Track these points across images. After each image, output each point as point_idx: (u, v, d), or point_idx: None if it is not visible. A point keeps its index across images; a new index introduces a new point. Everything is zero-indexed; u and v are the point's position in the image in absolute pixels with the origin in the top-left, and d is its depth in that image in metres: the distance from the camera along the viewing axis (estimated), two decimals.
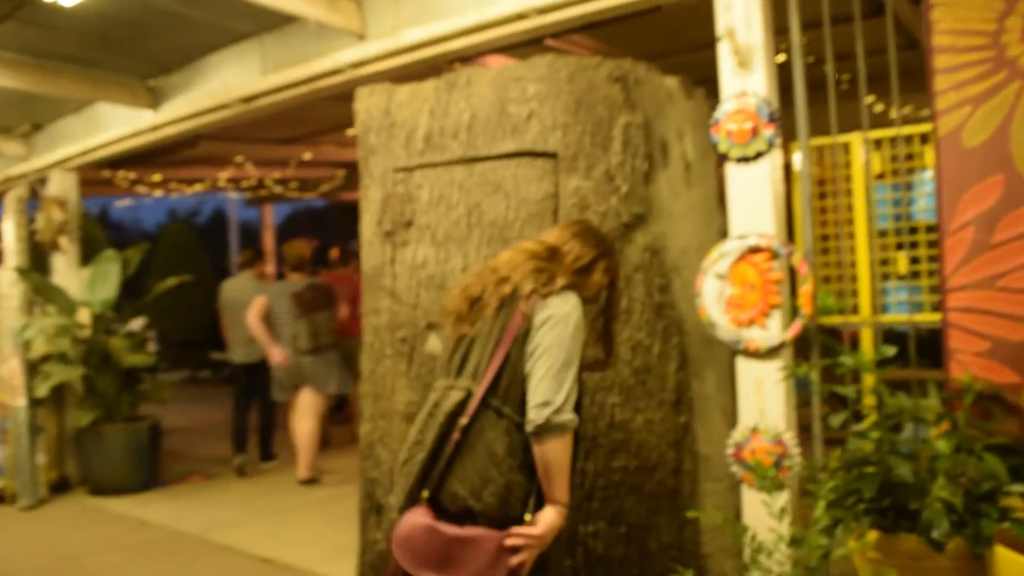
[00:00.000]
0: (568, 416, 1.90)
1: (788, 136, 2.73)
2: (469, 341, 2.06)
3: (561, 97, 2.78)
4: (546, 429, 1.89)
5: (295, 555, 4.02)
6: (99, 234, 6.59)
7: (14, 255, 6.35)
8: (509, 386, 1.97)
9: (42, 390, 5.56)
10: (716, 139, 2.75)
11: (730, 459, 2.72)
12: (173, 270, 8.54)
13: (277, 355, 5.48)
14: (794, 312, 2.62)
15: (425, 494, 1.99)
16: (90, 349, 5.88)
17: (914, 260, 3.09)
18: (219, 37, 4.49)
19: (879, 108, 4.95)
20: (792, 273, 2.66)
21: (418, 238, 2.98)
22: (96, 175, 7.19)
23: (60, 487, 5.86)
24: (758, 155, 2.67)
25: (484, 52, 3.83)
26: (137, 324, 6.42)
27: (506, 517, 1.92)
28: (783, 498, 2.49)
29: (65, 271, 6.29)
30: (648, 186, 2.81)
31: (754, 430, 2.67)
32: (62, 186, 6.22)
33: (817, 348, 2.67)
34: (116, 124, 5.47)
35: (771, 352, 2.65)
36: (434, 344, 2.91)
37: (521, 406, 1.95)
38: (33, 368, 5.68)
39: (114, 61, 4.85)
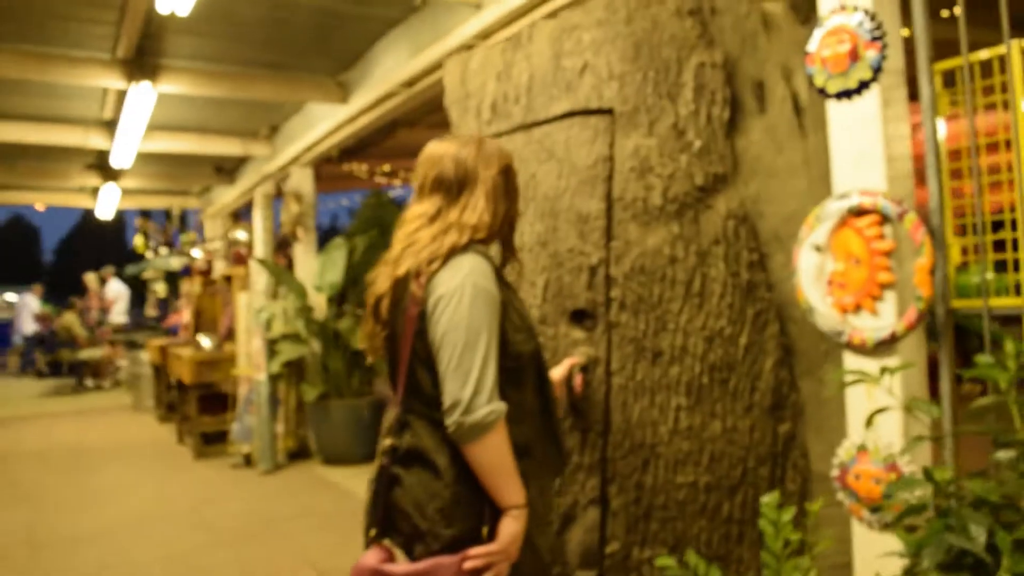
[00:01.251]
0: (484, 411, 1.58)
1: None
2: (391, 346, 1.77)
3: (618, 42, 2.33)
4: (463, 434, 1.60)
5: None
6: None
7: (261, 246, 7.03)
8: (432, 386, 1.67)
9: (274, 366, 6.10)
10: (811, 71, 2.13)
11: (835, 483, 2.12)
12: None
13: None
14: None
15: (372, 533, 1.75)
16: (321, 330, 6.34)
17: None
18: (377, 27, 4.52)
19: None
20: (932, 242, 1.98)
21: None
22: (337, 170, 7.72)
23: (298, 455, 6.44)
24: (861, 86, 2.02)
25: None
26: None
27: (460, 535, 1.65)
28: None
29: (302, 258, 6.84)
30: (733, 139, 2.28)
31: (861, 449, 2.04)
32: (298, 181, 6.75)
33: (947, 343, 1.97)
34: (322, 121, 5.79)
35: (880, 347, 2.00)
36: None
37: None
38: (273, 346, 6.25)
39: (307, 61, 5.11)
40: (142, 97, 4.82)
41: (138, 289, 13.41)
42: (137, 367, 10.02)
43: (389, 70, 4.57)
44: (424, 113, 5.58)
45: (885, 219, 1.98)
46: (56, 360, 12.35)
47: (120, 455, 7.32)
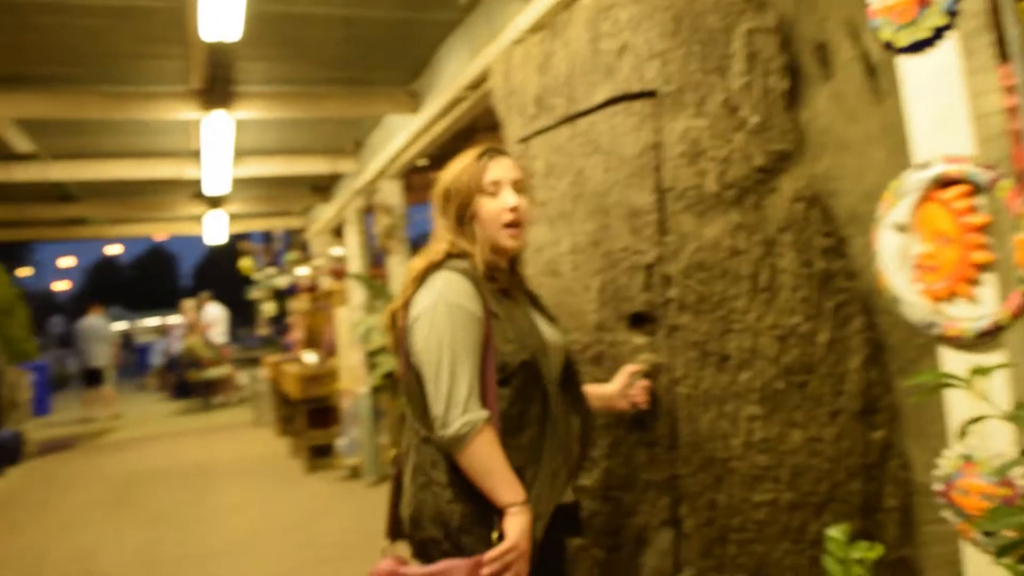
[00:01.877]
0: (457, 424, 1.65)
1: None
2: None
3: (656, 17, 2.11)
4: (447, 447, 1.69)
5: None
6: None
7: (355, 260, 7.08)
8: (422, 403, 1.76)
9: (374, 378, 6.11)
10: (875, 24, 1.85)
11: (939, 500, 1.83)
12: None
13: None
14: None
15: (384, 545, 1.89)
16: None
17: None
18: (439, 31, 4.42)
19: None
20: None
21: (538, 217, 2.53)
22: (427, 179, 7.68)
23: None
24: (936, 34, 1.73)
25: None
26: None
27: (471, 543, 1.70)
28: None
29: (396, 270, 6.83)
30: (795, 111, 2.02)
31: (966, 459, 1.75)
32: (387, 194, 6.75)
33: None
34: (399, 132, 5.75)
35: (982, 339, 1.70)
36: None
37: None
38: (372, 359, 6.27)
39: (376, 74, 5.07)
40: (219, 125, 4.89)
41: (251, 310, 13.91)
42: (256, 384, 10.37)
43: (453, 75, 4.45)
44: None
45: (976, 189, 1.69)
46: (184, 381, 12.97)
47: (237, 471, 7.55)
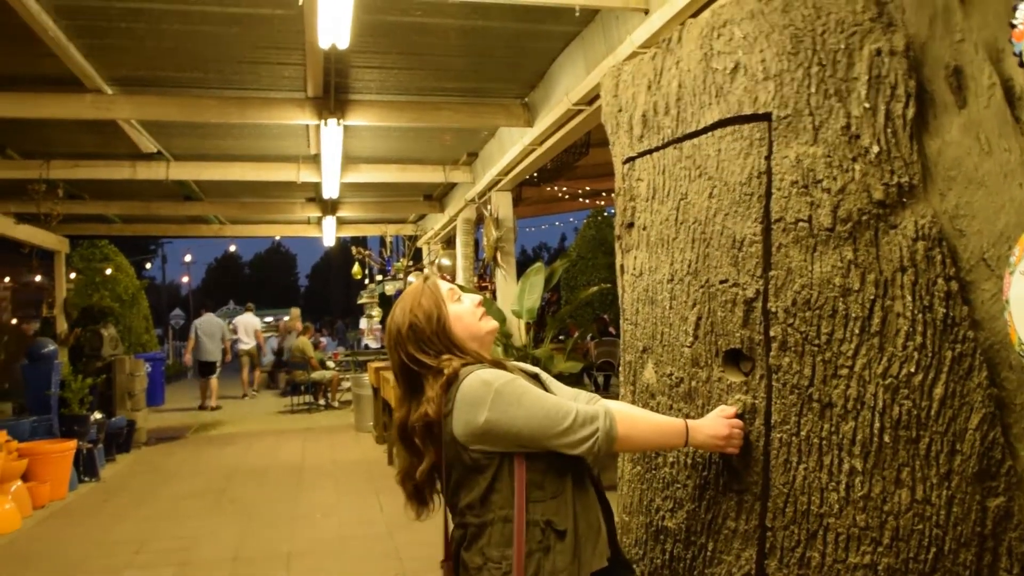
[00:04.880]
0: (601, 428, 1.85)
1: None
2: None
3: (773, 35, 1.99)
4: (608, 451, 1.88)
5: None
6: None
7: (461, 271, 7.10)
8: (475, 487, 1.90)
9: None
10: (1020, 48, 1.68)
11: None
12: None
13: None
14: None
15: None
16: (522, 356, 6.26)
17: None
18: (555, 43, 4.37)
19: None
20: None
21: (638, 242, 2.43)
22: (540, 193, 7.66)
23: None
24: None
25: None
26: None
27: None
28: None
29: (502, 283, 6.82)
30: (922, 141, 1.86)
31: None
32: (497, 206, 6.75)
33: None
34: (513, 144, 5.73)
35: None
36: (650, 374, 2.33)
37: None
38: None
39: (491, 85, 5.08)
40: (333, 132, 5.00)
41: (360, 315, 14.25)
42: (360, 388, 10.56)
43: (567, 88, 4.40)
44: None
45: None
46: (293, 380, 13.37)
47: (333, 474, 7.68)
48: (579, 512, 1.87)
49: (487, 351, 2.01)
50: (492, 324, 2.04)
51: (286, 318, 15.13)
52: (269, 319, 24.51)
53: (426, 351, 1.91)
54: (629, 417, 1.90)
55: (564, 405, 1.84)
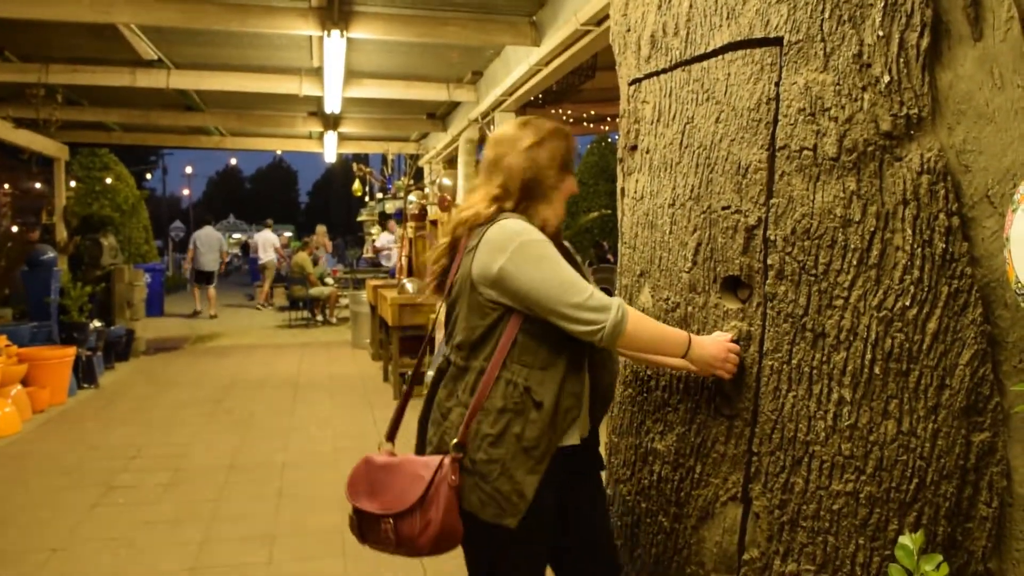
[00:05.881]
0: (612, 316, 1.87)
1: None
2: None
3: None
4: (611, 341, 1.90)
5: None
6: None
7: (463, 192, 7.06)
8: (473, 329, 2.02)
9: None
10: None
11: None
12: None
13: None
14: None
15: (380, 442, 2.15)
16: None
17: None
18: None
19: None
20: None
21: (640, 165, 2.41)
22: (547, 116, 7.54)
23: None
24: None
25: None
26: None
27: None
28: None
29: None
30: (935, 72, 1.82)
31: None
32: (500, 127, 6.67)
33: None
34: (519, 64, 5.62)
35: None
36: (646, 298, 2.34)
37: None
38: None
39: (501, 2, 4.94)
40: (337, 44, 4.89)
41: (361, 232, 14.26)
42: (357, 305, 10.62)
43: (576, 7, 4.29)
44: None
45: None
46: (292, 296, 13.45)
47: (328, 388, 7.79)
48: (564, 390, 1.92)
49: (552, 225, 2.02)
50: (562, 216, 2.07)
51: (314, 236, 15.55)
52: (288, 234, 24.55)
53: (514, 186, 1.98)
54: (640, 317, 1.94)
55: (582, 283, 1.87)
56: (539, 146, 1.99)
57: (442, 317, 2.11)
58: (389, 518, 1.88)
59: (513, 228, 1.88)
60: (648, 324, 1.96)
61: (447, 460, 1.87)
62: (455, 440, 1.89)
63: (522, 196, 1.97)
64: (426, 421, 2.08)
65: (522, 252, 1.84)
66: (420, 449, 2.09)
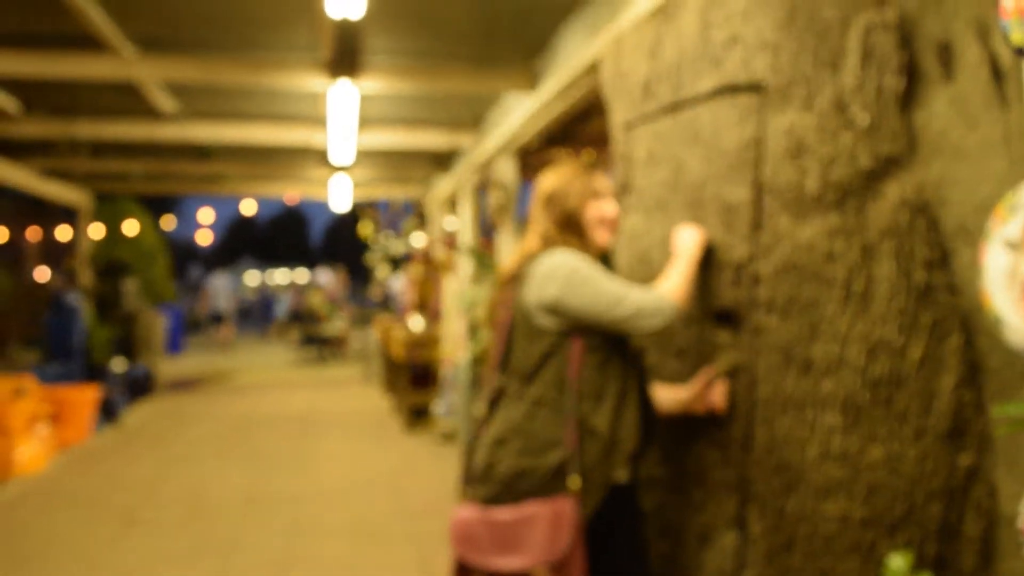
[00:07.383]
0: (668, 306, 2.03)
1: None
2: None
3: (770, 7, 2.05)
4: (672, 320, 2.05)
5: None
6: None
7: (467, 233, 7.19)
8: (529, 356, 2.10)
9: (474, 348, 6.22)
10: (1005, 25, 1.73)
11: (1021, 536, 1.72)
12: None
13: None
14: None
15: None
16: None
17: None
18: (561, 9, 4.39)
19: None
20: None
21: (634, 205, 2.52)
22: (542, 158, 7.68)
23: None
24: None
25: None
26: None
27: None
28: None
29: (504, 246, 6.90)
30: (910, 113, 1.92)
31: None
32: (502, 171, 6.81)
33: None
34: (516, 110, 5.77)
35: None
36: None
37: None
38: (475, 330, 6.39)
39: (499, 51, 5.10)
40: (344, 95, 5.04)
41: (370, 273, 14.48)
42: (368, 343, 10.74)
43: (570, 55, 4.42)
44: None
45: None
46: (306, 333, 13.62)
47: (341, 424, 7.88)
48: (617, 421, 2.01)
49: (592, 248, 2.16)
50: (604, 241, 2.19)
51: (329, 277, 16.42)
52: (282, 276, 25.30)
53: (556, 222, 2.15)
54: (672, 286, 2.07)
55: (625, 289, 2.01)
56: (566, 186, 2.15)
57: (491, 349, 2.23)
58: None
59: (560, 258, 2.04)
60: (679, 281, 2.09)
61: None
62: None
63: (562, 231, 2.13)
64: (475, 445, 2.14)
65: (571, 278, 2.00)
66: (467, 474, 2.14)
